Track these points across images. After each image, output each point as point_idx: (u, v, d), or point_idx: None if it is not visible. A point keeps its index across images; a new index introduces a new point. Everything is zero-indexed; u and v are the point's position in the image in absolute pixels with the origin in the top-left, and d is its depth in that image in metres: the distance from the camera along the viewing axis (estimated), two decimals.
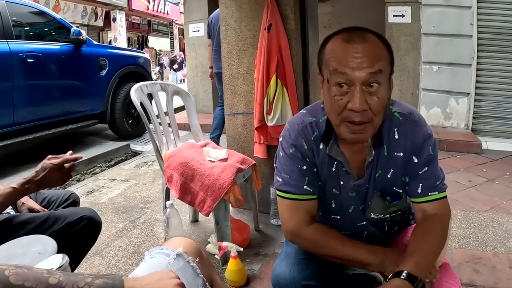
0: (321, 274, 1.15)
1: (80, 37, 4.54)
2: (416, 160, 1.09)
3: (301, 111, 1.20)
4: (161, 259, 0.96)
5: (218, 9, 4.82)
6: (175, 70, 16.78)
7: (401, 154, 1.10)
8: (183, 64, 15.71)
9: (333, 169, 1.14)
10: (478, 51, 4.96)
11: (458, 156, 4.33)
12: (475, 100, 5.10)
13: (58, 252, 1.22)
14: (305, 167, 1.12)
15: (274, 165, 1.18)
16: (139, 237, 2.49)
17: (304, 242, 1.13)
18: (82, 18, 14.86)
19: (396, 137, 1.09)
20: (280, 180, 1.14)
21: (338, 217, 1.21)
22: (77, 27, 4.92)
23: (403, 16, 5.15)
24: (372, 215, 1.18)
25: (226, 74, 2.69)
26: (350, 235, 1.23)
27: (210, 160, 2.17)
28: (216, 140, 4.41)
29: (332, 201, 1.19)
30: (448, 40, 5.01)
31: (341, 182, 1.14)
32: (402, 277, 0.94)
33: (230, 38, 2.62)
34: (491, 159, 4.25)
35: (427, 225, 1.07)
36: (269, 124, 2.44)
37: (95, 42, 5.17)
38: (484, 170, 3.86)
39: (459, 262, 2.15)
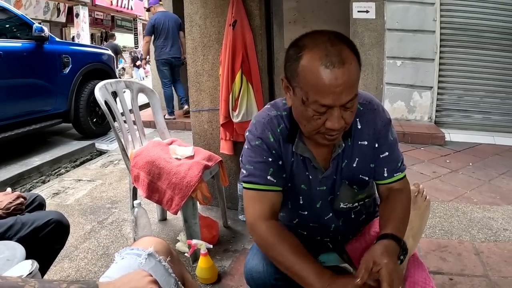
0: None
1: (43, 34, 4.39)
2: (377, 145, 1.15)
3: (266, 106, 1.21)
4: (132, 259, 0.94)
5: (161, 11, 5.83)
6: (137, 67, 16.50)
7: (366, 142, 1.14)
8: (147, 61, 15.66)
9: (301, 165, 1.15)
10: (440, 46, 5.10)
11: (422, 148, 4.46)
12: (438, 93, 5.25)
13: (27, 258, 1.18)
14: (270, 159, 1.12)
15: (240, 159, 1.18)
16: (107, 238, 2.45)
17: (257, 237, 1.10)
18: (44, 14, 14.39)
19: (359, 127, 1.13)
20: (245, 171, 1.14)
21: (306, 212, 1.23)
22: (39, 23, 4.76)
23: (367, 12, 5.22)
24: (341, 205, 1.20)
25: (191, 70, 2.67)
26: (318, 228, 1.26)
27: (177, 158, 2.15)
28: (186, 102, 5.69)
29: (300, 197, 1.20)
30: (412, 36, 5.13)
31: (310, 177, 1.16)
32: (388, 238, 1.03)
33: (195, 35, 2.60)
34: (454, 150, 4.39)
35: (395, 196, 1.18)
36: (235, 120, 2.43)
37: (57, 39, 5.01)
38: (447, 161, 3.99)
39: (425, 251, 2.21)
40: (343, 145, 1.12)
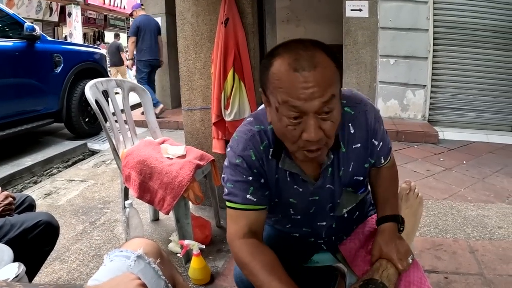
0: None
1: (34, 33, 4.34)
2: (376, 142, 1.13)
3: (248, 118, 1.14)
4: (121, 262, 0.92)
5: (143, 14, 6.12)
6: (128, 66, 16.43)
7: (359, 145, 1.10)
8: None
9: (288, 179, 1.11)
10: (434, 44, 5.12)
11: (415, 147, 4.46)
12: (431, 92, 5.27)
13: (15, 260, 1.16)
14: (250, 178, 1.07)
15: (222, 176, 1.13)
16: (99, 239, 2.42)
17: (233, 255, 1.09)
18: (36, 13, 14.26)
19: (352, 131, 1.09)
20: (226, 190, 1.11)
21: (299, 217, 1.20)
22: (31, 22, 4.70)
23: (360, 10, 5.23)
24: (344, 211, 1.19)
25: (182, 69, 2.64)
26: (311, 232, 1.25)
27: (168, 157, 2.12)
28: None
29: (291, 209, 1.17)
30: (405, 34, 5.14)
31: (300, 189, 1.12)
32: (389, 221, 1.16)
33: (187, 33, 2.57)
34: (447, 148, 4.41)
35: (384, 174, 1.23)
36: (227, 119, 2.41)
37: (49, 38, 4.96)
38: (441, 159, 4.00)
39: (420, 249, 2.21)
40: (332, 157, 1.07)
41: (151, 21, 6.14)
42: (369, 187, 1.25)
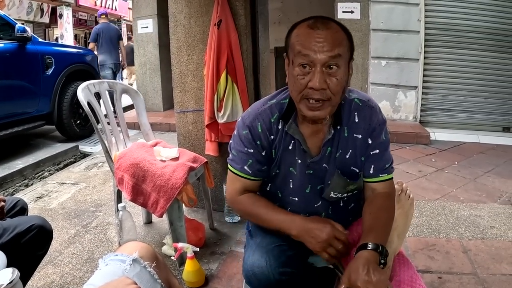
0: (294, 261, 1.18)
1: (25, 35, 4.30)
2: (370, 142, 1.19)
3: (269, 95, 1.28)
4: (116, 266, 0.92)
5: (104, 22, 6.74)
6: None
7: (360, 136, 1.18)
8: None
9: (290, 147, 1.20)
10: (425, 46, 5.16)
11: (407, 147, 4.49)
12: (423, 93, 5.31)
13: (8, 265, 1.14)
14: (251, 150, 1.19)
15: (230, 142, 1.27)
16: (92, 242, 2.39)
17: (237, 208, 1.30)
18: (27, 14, 14.12)
19: (356, 120, 1.18)
20: (230, 156, 1.26)
21: (296, 198, 1.25)
22: (22, 24, 4.68)
23: (352, 12, 5.26)
24: (331, 194, 1.23)
25: (175, 71, 2.63)
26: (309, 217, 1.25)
27: (161, 160, 2.11)
28: None
29: (290, 180, 1.24)
30: (396, 36, 5.17)
31: (299, 161, 1.20)
32: (368, 248, 1.04)
33: (179, 34, 2.56)
34: (439, 149, 4.44)
35: (378, 201, 1.19)
36: (220, 121, 2.40)
37: (40, 40, 4.92)
38: (433, 160, 4.03)
39: (413, 250, 2.22)
40: (333, 131, 1.16)
41: (111, 28, 6.80)
42: (362, 182, 1.25)
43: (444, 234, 2.42)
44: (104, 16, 6.89)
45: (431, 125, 5.26)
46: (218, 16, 2.32)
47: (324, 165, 1.20)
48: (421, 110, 5.35)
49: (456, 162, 3.93)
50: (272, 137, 1.19)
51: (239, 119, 1.24)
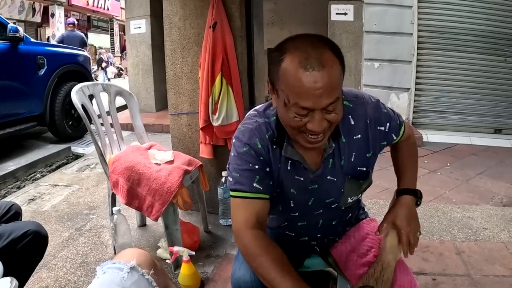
0: None
1: (17, 35, 4.25)
2: (383, 128, 1.16)
3: (251, 112, 1.19)
4: (114, 274, 0.90)
5: (70, 30, 7.64)
6: (103, 68, 16.39)
7: (359, 136, 1.14)
8: (110, 62, 16.76)
9: (289, 168, 1.14)
10: (418, 48, 5.18)
11: None
12: (415, 95, 5.33)
13: (4, 271, 1.13)
14: (256, 166, 1.10)
15: (227, 167, 1.17)
16: (86, 246, 2.37)
17: (241, 246, 1.09)
18: (19, 13, 14.01)
19: (352, 123, 1.13)
20: (231, 179, 1.13)
21: (297, 213, 1.22)
22: (14, 23, 4.61)
23: (345, 14, 5.27)
24: (349, 200, 1.21)
25: (169, 73, 2.62)
26: (306, 226, 1.25)
27: (156, 163, 2.10)
28: None
29: (291, 201, 1.18)
30: (389, 38, 5.19)
31: (301, 179, 1.14)
32: (406, 193, 1.22)
33: (174, 36, 2.55)
34: (432, 151, 4.46)
35: (404, 148, 1.29)
36: (215, 124, 2.40)
37: (32, 40, 4.88)
38: (426, 161, 4.05)
39: None
40: (333, 145, 1.11)
41: (75, 35, 7.62)
42: (372, 178, 1.24)
43: (437, 236, 2.43)
44: (71, 25, 7.86)
45: (423, 127, 5.29)
46: (213, 18, 2.31)
47: (328, 177, 1.15)
48: (414, 112, 5.38)
49: (448, 164, 3.95)
50: (270, 154, 1.13)
51: (233, 140, 1.15)
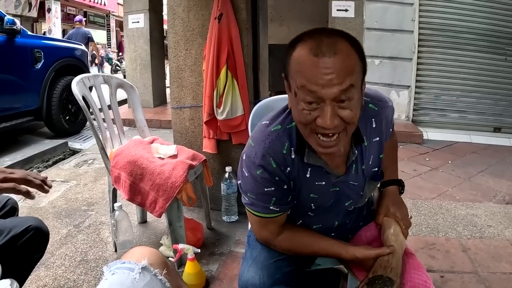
0: (290, 277, 1.12)
1: (14, 27, 4.15)
2: (391, 130, 1.24)
3: (262, 122, 1.09)
4: (124, 275, 0.83)
5: (77, 27, 8.25)
6: (96, 64, 16.31)
7: (378, 138, 1.13)
8: (104, 59, 16.63)
9: (308, 176, 1.07)
10: (418, 46, 5.17)
11: (401, 146, 4.47)
12: (416, 92, 5.33)
13: (3, 268, 1.07)
14: (272, 188, 1.05)
15: (239, 183, 1.12)
16: (85, 243, 2.31)
17: (279, 249, 1.16)
18: (15, 8, 13.83)
19: (374, 126, 1.10)
20: (247, 199, 1.10)
21: (312, 214, 1.18)
22: None
23: (346, 10, 5.22)
24: (365, 200, 1.23)
25: (172, 66, 2.56)
26: (320, 228, 1.22)
27: (160, 157, 2.04)
28: None
29: (312, 204, 1.14)
30: (390, 35, 5.17)
31: (322, 183, 1.09)
32: (391, 185, 1.27)
33: (177, 28, 2.49)
34: (432, 148, 4.45)
35: (390, 142, 1.27)
36: (219, 117, 2.35)
37: (29, 33, 4.78)
38: (427, 159, 4.04)
39: (414, 248, 2.17)
40: (356, 152, 1.06)
41: (80, 32, 8.15)
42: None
43: (443, 233, 2.41)
44: (78, 22, 8.45)
45: (423, 125, 5.28)
46: (219, 9, 2.26)
47: (351, 182, 1.11)
48: (414, 110, 5.37)
49: (449, 162, 3.94)
50: (289, 169, 1.05)
51: (244, 158, 1.06)
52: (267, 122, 1.08)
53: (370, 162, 1.13)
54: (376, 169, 1.17)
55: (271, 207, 1.07)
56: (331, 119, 0.87)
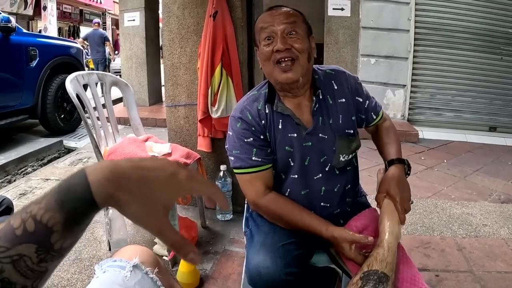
0: (299, 261, 1.17)
1: (9, 25, 4.13)
2: (361, 100, 1.34)
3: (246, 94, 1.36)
4: (115, 273, 0.82)
5: (94, 28, 9.24)
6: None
7: (344, 100, 1.29)
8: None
9: (280, 127, 1.25)
10: (414, 45, 5.18)
11: None
12: (411, 91, 5.34)
13: None
14: (251, 139, 1.24)
15: (226, 147, 1.30)
16: (79, 242, 2.28)
17: (263, 212, 1.27)
18: (11, 6, 13.72)
19: (336, 87, 1.30)
20: (232, 158, 1.27)
21: (296, 176, 1.28)
22: None
23: (342, 9, 5.23)
24: (341, 158, 1.28)
25: (167, 63, 2.55)
26: (309, 193, 1.29)
27: (154, 156, 2.04)
28: None
29: (289, 159, 1.27)
30: (386, 34, 5.17)
31: (294, 135, 1.25)
32: (396, 163, 1.27)
33: (172, 26, 2.48)
34: (428, 147, 4.46)
35: (384, 127, 1.42)
36: (214, 116, 2.33)
37: (25, 31, 4.76)
38: (422, 158, 4.04)
39: (409, 248, 2.20)
40: (315, 99, 1.25)
41: (96, 33, 9.06)
42: (359, 139, 1.34)
43: (438, 232, 2.41)
44: (96, 24, 9.42)
45: (419, 124, 5.29)
46: (214, 7, 2.24)
47: (320, 135, 1.26)
48: (409, 109, 5.38)
49: (445, 161, 3.95)
50: (263, 121, 1.25)
51: (229, 120, 1.30)
52: (248, 93, 1.35)
53: (340, 122, 1.28)
54: (352, 131, 1.31)
55: (253, 158, 1.23)
56: (282, 41, 1.16)
